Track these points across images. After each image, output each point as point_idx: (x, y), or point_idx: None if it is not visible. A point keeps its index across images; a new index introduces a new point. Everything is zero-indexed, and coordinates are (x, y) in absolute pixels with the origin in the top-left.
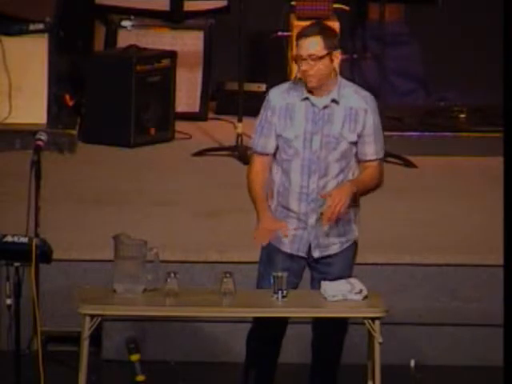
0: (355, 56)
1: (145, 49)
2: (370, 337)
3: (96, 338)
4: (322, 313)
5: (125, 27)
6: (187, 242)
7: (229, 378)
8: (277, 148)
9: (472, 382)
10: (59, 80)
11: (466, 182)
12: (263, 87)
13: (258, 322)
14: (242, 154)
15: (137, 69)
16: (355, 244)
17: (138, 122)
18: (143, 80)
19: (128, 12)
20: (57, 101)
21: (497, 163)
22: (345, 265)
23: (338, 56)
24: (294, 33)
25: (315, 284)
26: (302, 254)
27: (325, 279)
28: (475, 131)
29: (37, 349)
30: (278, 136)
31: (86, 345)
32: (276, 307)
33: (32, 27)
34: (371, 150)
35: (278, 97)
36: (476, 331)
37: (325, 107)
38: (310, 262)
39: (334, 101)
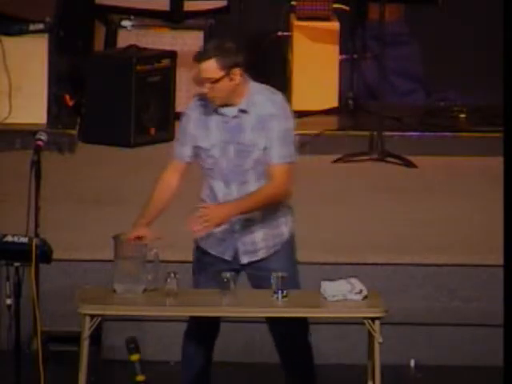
0: (355, 56)
1: (145, 49)
2: (370, 337)
3: (96, 338)
4: (322, 313)
5: (125, 27)
6: (187, 242)
7: (229, 378)
8: (195, 158)
9: (472, 382)
10: (59, 80)
11: (466, 182)
12: None
13: (191, 322)
14: None
15: (137, 69)
16: (287, 246)
17: (138, 122)
18: (143, 80)
19: (128, 12)
20: (57, 101)
21: (497, 163)
22: (278, 268)
23: (237, 73)
24: (294, 33)
25: (254, 282)
26: (228, 257)
27: (261, 277)
28: (475, 131)
29: (37, 349)
30: (197, 147)
31: (86, 345)
32: (276, 307)
33: (32, 27)
34: (276, 153)
35: (194, 107)
36: (476, 331)
37: (234, 117)
38: (243, 268)
39: (242, 111)
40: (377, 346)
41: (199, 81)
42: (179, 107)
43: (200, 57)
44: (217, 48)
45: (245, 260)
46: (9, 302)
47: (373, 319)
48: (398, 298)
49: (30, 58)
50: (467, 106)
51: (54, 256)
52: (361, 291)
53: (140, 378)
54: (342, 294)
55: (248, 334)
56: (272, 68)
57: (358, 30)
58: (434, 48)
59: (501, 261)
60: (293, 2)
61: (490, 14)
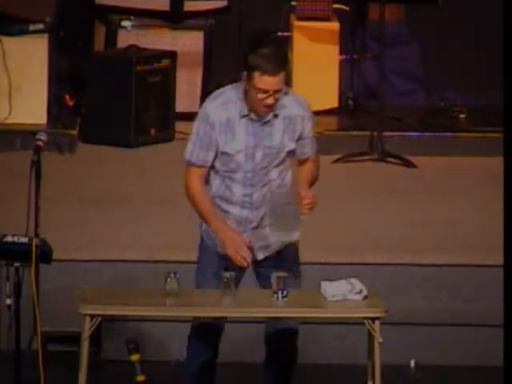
0: (355, 56)
1: (145, 49)
2: (370, 337)
3: (96, 338)
4: (322, 313)
5: (125, 27)
6: (187, 242)
7: (228, 378)
8: (217, 160)
9: (472, 382)
10: (59, 80)
11: (465, 182)
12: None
13: (196, 321)
14: None
15: (137, 69)
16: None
17: (138, 122)
18: (143, 80)
19: (128, 12)
20: (57, 101)
21: (497, 163)
22: (290, 258)
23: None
24: (294, 33)
25: (262, 279)
26: None
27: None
28: (475, 131)
29: (37, 349)
30: (220, 152)
31: (86, 345)
32: (276, 307)
33: (32, 27)
34: (309, 148)
35: (217, 111)
36: (476, 331)
37: (265, 122)
38: (254, 263)
39: (274, 115)
40: (377, 346)
41: (264, 91)
42: (179, 107)
43: (275, 69)
44: (284, 61)
45: (261, 256)
46: (9, 302)
47: (373, 319)
48: (398, 298)
49: (30, 57)
50: (467, 106)
51: (54, 256)
52: (361, 291)
53: (140, 378)
54: (342, 294)
55: (248, 334)
56: None
57: (358, 29)
58: (434, 48)
59: (501, 261)
60: (293, 2)
61: (489, 14)
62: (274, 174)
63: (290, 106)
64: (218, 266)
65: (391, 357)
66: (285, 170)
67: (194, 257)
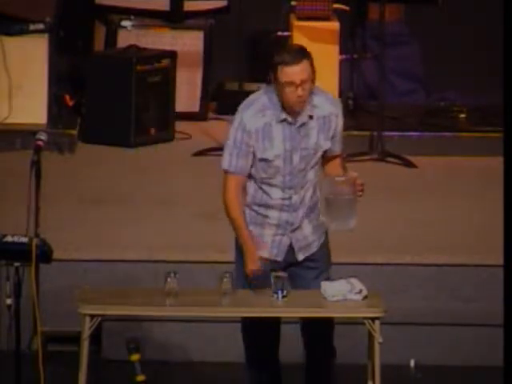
0: (355, 56)
1: (145, 49)
2: (370, 337)
3: (96, 338)
4: (322, 313)
5: (125, 27)
6: (187, 242)
7: (229, 378)
8: (254, 167)
9: (472, 382)
10: (59, 80)
11: (466, 182)
12: (263, 87)
13: (251, 322)
14: None
15: (137, 69)
16: (326, 233)
17: (138, 122)
18: (143, 80)
19: (128, 12)
20: (57, 101)
21: (497, 163)
22: (326, 256)
23: (315, 75)
24: (294, 33)
25: (301, 282)
26: (280, 258)
27: (311, 274)
28: (475, 131)
29: (37, 349)
30: (258, 159)
31: (86, 345)
32: (276, 307)
33: (32, 27)
34: (338, 146)
35: (253, 119)
36: (476, 331)
37: (301, 124)
38: (292, 265)
39: (310, 116)
40: (377, 346)
41: (291, 84)
42: (179, 107)
43: (296, 58)
44: (306, 52)
45: (301, 256)
46: (9, 302)
47: (373, 319)
48: (398, 298)
49: (30, 58)
50: (467, 106)
51: (54, 256)
52: (361, 291)
53: (140, 377)
54: (342, 294)
55: None
56: None
57: (358, 29)
58: (434, 48)
59: (501, 261)
60: (293, 2)
61: (489, 14)
62: (311, 175)
63: (322, 105)
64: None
65: (391, 357)
66: (319, 170)
67: (193, 257)
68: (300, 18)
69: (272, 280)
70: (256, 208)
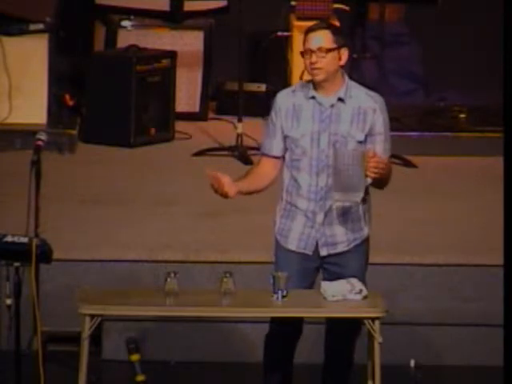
0: (355, 56)
1: (145, 49)
2: (370, 337)
3: (96, 338)
4: (322, 313)
5: (125, 27)
6: (187, 242)
7: (229, 378)
8: (286, 150)
9: (472, 382)
10: (59, 80)
11: (466, 182)
12: (263, 87)
13: (273, 323)
14: (241, 154)
15: (137, 69)
16: (365, 243)
17: (138, 122)
18: (143, 80)
19: (128, 12)
20: (57, 101)
21: (497, 163)
22: (356, 266)
23: (345, 54)
24: (294, 33)
25: (327, 275)
26: (309, 252)
27: (338, 274)
28: (475, 131)
29: (37, 349)
30: (286, 137)
31: (86, 345)
32: (276, 307)
33: (32, 27)
34: (381, 148)
35: (284, 98)
36: (476, 331)
37: (331, 106)
38: (322, 264)
39: (340, 99)
40: (377, 346)
41: (308, 51)
42: (179, 107)
43: (316, 26)
44: (331, 25)
45: (324, 252)
46: (9, 302)
47: (373, 319)
48: (398, 298)
49: (30, 57)
50: (467, 106)
51: (54, 256)
52: (361, 291)
53: (140, 377)
54: (342, 294)
55: (248, 334)
56: (272, 68)
57: (358, 29)
58: (433, 48)
59: (501, 261)
60: (293, 2)
61: (490, 14)
62: None
63: (358, 96)
64: (296, 264)
65: (391, 357)
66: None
67: (193, 257)
68: (300, 18)
69: (272, 280)
70: (288, 198)
